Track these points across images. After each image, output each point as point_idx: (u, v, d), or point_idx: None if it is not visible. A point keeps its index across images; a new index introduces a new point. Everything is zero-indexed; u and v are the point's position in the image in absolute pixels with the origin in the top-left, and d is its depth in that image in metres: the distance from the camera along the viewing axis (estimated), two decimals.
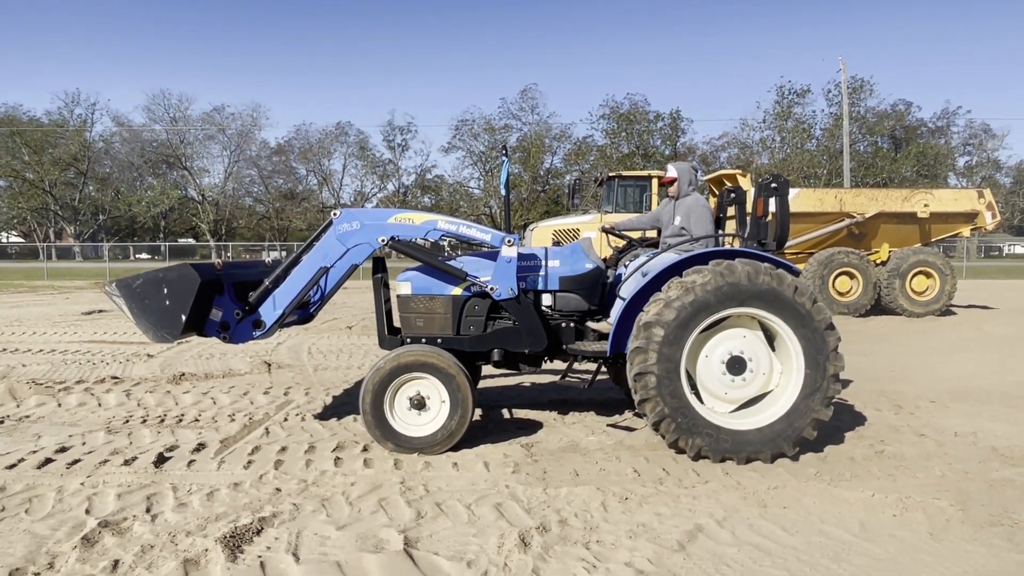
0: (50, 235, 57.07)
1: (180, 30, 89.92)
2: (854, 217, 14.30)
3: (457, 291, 4.87)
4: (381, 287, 5.03)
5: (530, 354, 4.95)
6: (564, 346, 4.95)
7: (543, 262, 4.94)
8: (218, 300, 4.58)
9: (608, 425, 5.27)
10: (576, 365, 5.08)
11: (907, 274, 13.91)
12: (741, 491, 3.87)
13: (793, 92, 52.52)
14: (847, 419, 5.46)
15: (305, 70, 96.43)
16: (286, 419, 5.39)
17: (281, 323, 4.74)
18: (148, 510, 3.55)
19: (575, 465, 4.31)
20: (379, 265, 5.09)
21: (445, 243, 6.51)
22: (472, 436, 4.83)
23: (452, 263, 4.88)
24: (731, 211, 5.57)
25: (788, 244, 14.40)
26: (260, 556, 3.02)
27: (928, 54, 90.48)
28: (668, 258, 4.70)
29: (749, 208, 5.34)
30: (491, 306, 4.87)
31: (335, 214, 4.78)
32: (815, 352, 4.29)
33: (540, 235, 15.56)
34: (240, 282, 4.79)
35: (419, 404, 4.51)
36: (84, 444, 4.72)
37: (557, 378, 6.16)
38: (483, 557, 3.02)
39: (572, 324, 4.99)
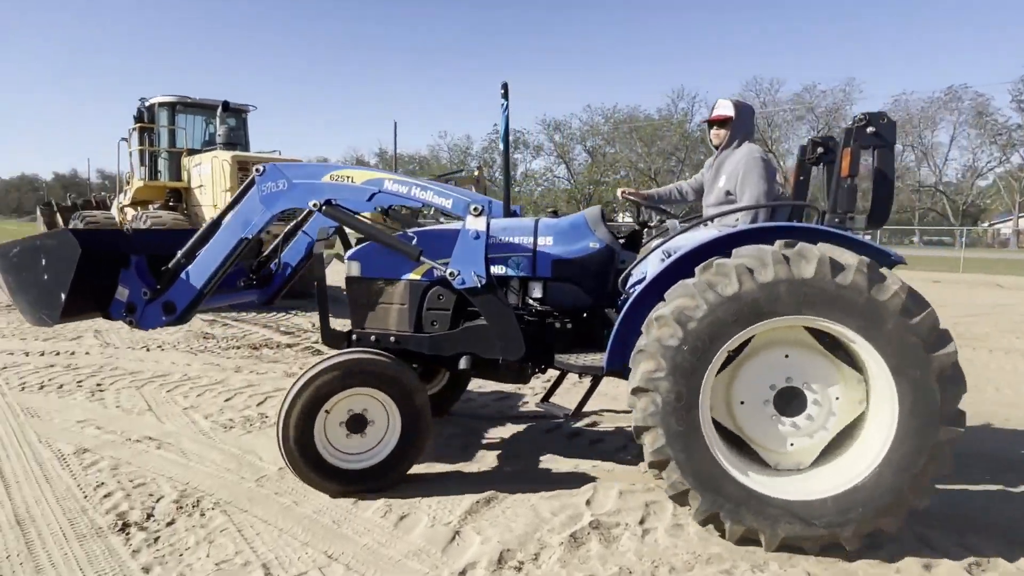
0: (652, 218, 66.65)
1: (769, 14, 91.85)
2: None
3: (416, 276, 3.71)
4: (324, 267, 4.20)
5: (506, 364, 3.60)
6: (555, 356, 3.61)
7: (530, 240, 3.70)
8: (124, 276, 3.69)
9: None
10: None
11: None
12: None
13: None
14: None
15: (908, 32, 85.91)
16: None
17: (198, 304, 3.74)
18: (641, 521, 3.21)
19: None
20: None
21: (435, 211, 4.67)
22: None
23: (407, 238, 3.69)
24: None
25: None
26: None
27: None
28: (696, 237, 3.27)
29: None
30: (461, 297, 3.62)
31: (257, 170, 3.68)
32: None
33: None
34: (159, 254, 3.81)
35: (357, 425, 3.43)
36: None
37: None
38: None
39: (570, 325, 3.70)
